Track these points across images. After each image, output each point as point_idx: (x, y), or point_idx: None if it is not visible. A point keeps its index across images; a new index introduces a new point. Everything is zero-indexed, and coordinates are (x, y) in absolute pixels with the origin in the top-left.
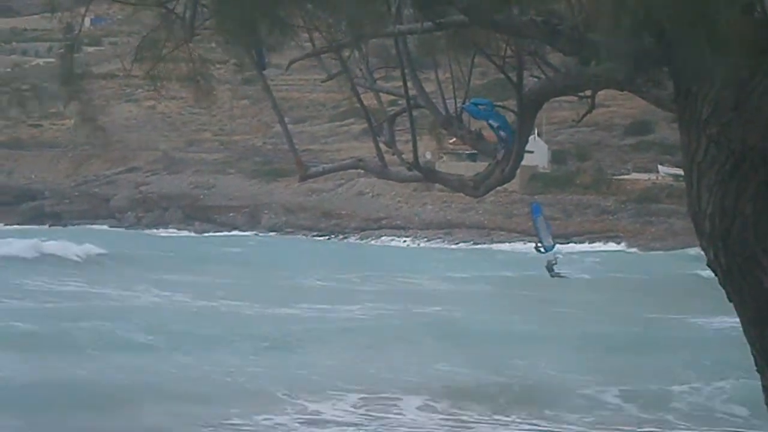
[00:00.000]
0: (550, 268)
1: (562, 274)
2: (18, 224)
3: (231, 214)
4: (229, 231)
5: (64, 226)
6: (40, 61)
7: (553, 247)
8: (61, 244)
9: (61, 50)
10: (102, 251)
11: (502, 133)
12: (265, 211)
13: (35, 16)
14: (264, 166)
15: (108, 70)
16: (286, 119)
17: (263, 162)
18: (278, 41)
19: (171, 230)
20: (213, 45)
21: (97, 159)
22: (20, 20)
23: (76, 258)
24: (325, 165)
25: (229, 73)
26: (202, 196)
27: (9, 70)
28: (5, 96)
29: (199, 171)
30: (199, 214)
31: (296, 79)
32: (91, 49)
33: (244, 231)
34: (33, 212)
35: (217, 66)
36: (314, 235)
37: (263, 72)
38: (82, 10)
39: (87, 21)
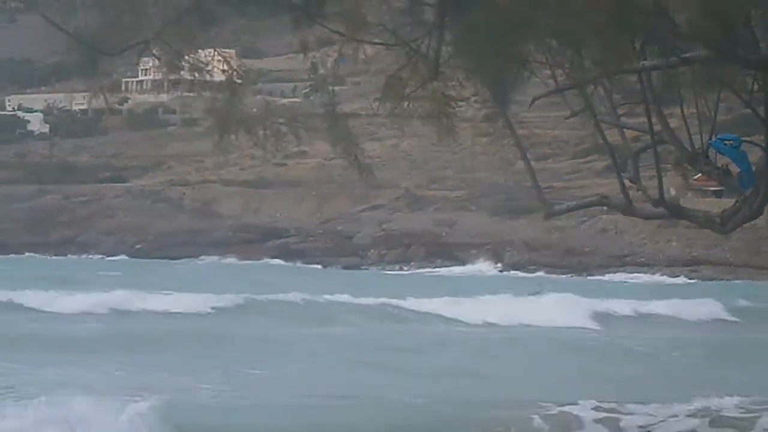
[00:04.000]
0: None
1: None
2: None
3: (473, 251)
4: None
5: (309, 263)
6: (285, 101)
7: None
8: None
9: (306, 90)
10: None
11: (741, 173)
12: (507, 249)
13: (281, 57)
14: (506, 203)
15: (352, 109)
16: (528, 156)
17: (505, 199)
18: (521, 78)
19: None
20: (455, 83)
21: (341, 197)
22: (266, 61)
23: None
24: (569, 203)
25: (470, 110)
26: (444, 234)
27: (255, 110)
28: (252, 135)
29: (441, 208)
30: (440, 251)
31: (538, 116)
32: (335, 88)
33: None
34: (279, 250)
35: (459, 103)
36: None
37: (506, 109)
38: (332, 50)
39: (330, 61)
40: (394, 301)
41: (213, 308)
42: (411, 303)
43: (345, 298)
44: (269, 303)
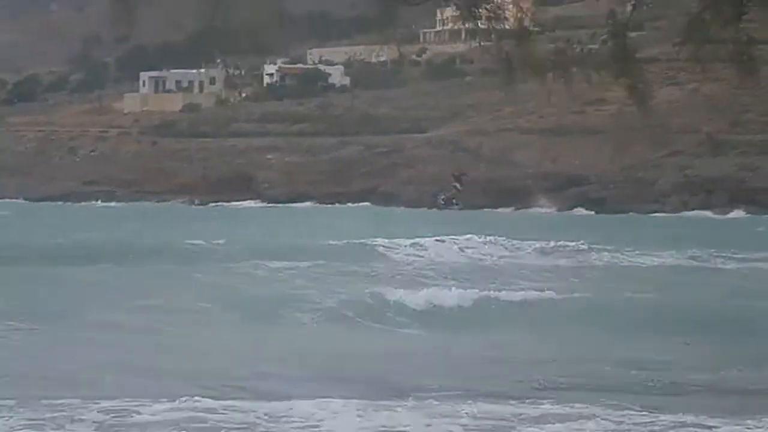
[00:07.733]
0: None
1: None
2: (564, 210)
3: None
4: None
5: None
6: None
7: None
8: None
9: (604, 36)
10: None
11: None
12: None
13: (578, 4)
14: None
15: (650, 55)
16: None
17: None
18: None
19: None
20: (757, 24)
21: (641, 143)
22: (563, 8)
23: None
24: None
25: None
26: (747, 179)
27: (552, 59)
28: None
29: (743, 153)
30: (743, 196)
31: None
32: (633, 34)
33: None
34: (578, 198)
35: (761, 46)
36: None
37: None
38: None
39: (629, 6)
40: None
41: None
42: None
43: None
44: None
